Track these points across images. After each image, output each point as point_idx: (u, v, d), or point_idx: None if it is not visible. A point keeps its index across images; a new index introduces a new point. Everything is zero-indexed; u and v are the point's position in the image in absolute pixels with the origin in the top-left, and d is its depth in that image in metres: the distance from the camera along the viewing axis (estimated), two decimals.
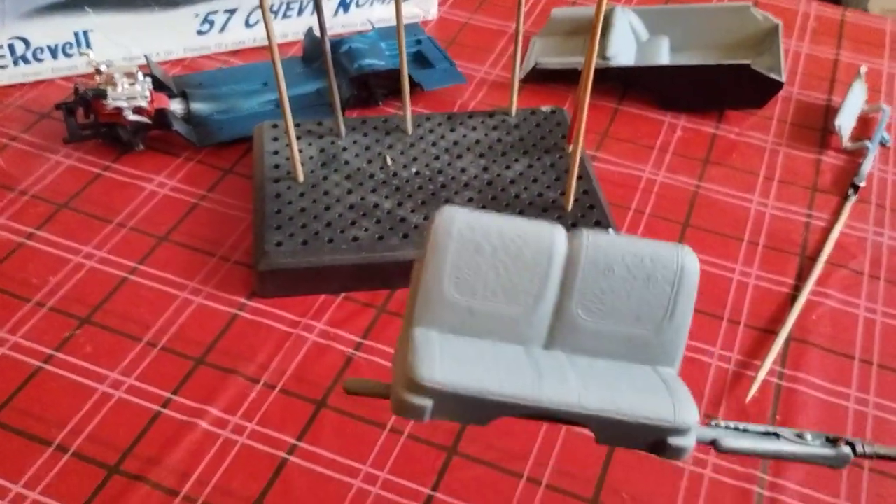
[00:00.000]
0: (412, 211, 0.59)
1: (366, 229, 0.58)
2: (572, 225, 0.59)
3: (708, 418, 0.52)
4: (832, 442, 0.36)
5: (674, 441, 0.33)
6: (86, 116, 0.67)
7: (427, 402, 0.32)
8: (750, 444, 0.36)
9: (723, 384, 0.54)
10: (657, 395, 0.34)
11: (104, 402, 0.51)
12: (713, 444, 0.36)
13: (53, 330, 0.54)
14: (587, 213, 0.60)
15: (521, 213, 0.59)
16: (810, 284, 0.60)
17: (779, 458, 0.37)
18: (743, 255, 0.63)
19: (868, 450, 0.37)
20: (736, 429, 0.36)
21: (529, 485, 0.48)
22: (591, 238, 0.35)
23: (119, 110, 0.65)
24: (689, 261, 0.36)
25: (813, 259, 0.62)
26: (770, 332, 0.57)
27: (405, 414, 0.32)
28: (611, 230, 0.59)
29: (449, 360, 0.33)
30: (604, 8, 0.50)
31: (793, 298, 0.59)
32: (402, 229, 0.58)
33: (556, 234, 0.35)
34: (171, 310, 0.56)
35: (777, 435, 0.36)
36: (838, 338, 0.57)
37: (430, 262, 0.35)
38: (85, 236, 0.60)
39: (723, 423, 0.36)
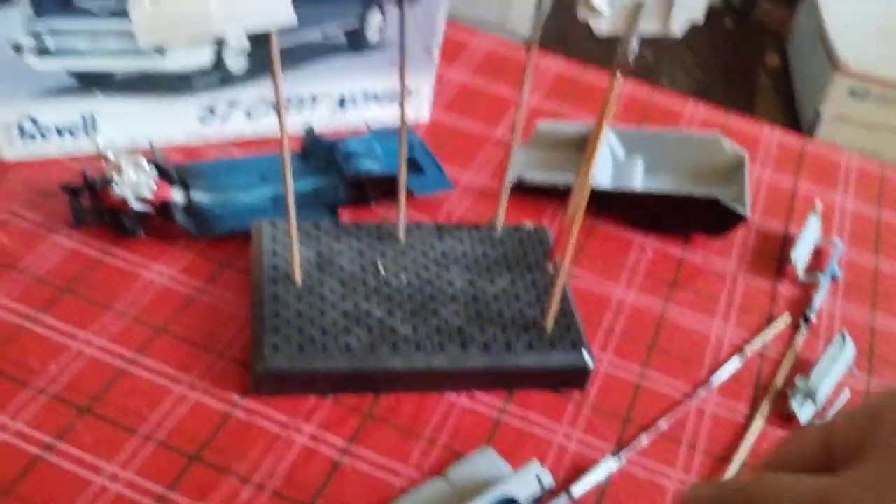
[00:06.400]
0: (402, 321, 0.63)
1: (358, 338, 0.61)
2: (550, 345, 0.63)
3: None
4: None
5: None
6: (90, 201, 0.70)
7: None
8: None
9: None
10: None
11: (102, 495, 0.53)
12: None
13: (54, 418, 0.57)
14: (564, 334, 0.64)
15: (504, 330, 0.64)
16: (763, 414, 0.65)
17: None
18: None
19: None
20: None
21: None
22: None
23: (125, 199, 0.68)
24: None
25: (765, 390, 0.68)
26: (724, 459, 0.62)
27: None
28: (584, 352, 0.63)
29: None
30: (601, 138, 0.56)
31: (745, 428, 0.64)
32: (392, 340, 0.62)
33: None
34: (168, 403, 0.59)
35: None
36: None
37: None
38: (86, 322, 0.63)
39: None
